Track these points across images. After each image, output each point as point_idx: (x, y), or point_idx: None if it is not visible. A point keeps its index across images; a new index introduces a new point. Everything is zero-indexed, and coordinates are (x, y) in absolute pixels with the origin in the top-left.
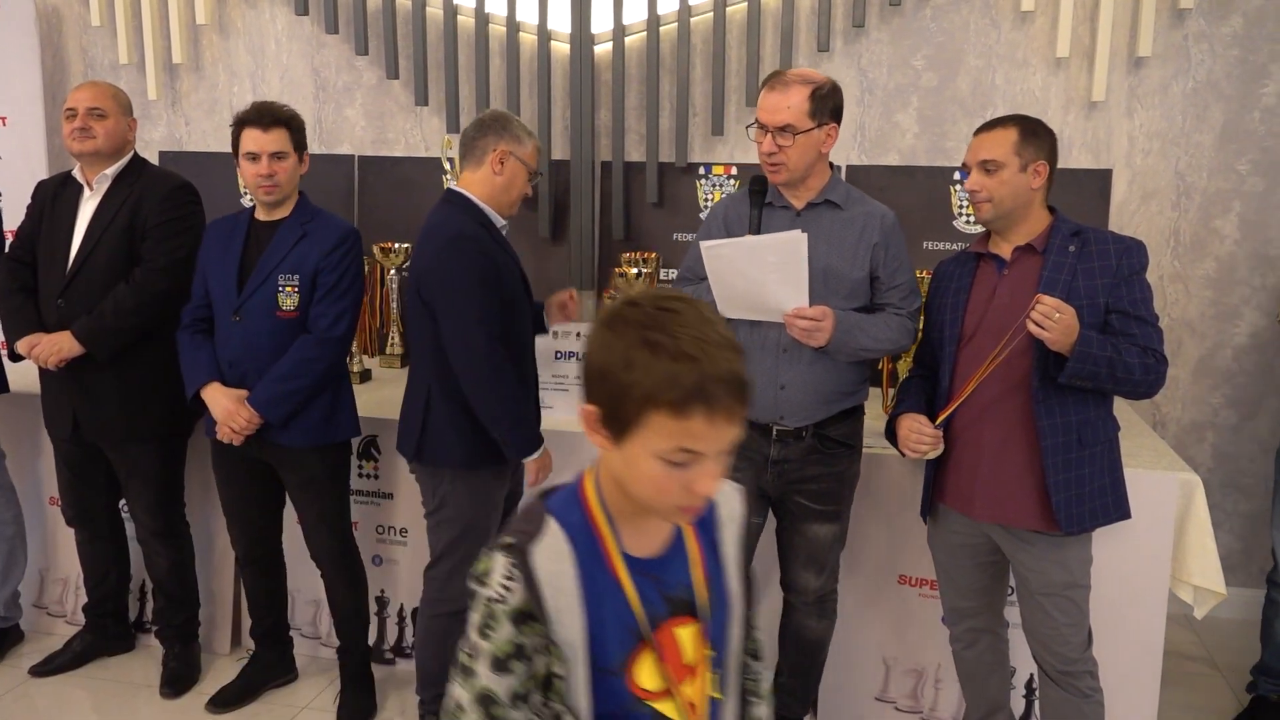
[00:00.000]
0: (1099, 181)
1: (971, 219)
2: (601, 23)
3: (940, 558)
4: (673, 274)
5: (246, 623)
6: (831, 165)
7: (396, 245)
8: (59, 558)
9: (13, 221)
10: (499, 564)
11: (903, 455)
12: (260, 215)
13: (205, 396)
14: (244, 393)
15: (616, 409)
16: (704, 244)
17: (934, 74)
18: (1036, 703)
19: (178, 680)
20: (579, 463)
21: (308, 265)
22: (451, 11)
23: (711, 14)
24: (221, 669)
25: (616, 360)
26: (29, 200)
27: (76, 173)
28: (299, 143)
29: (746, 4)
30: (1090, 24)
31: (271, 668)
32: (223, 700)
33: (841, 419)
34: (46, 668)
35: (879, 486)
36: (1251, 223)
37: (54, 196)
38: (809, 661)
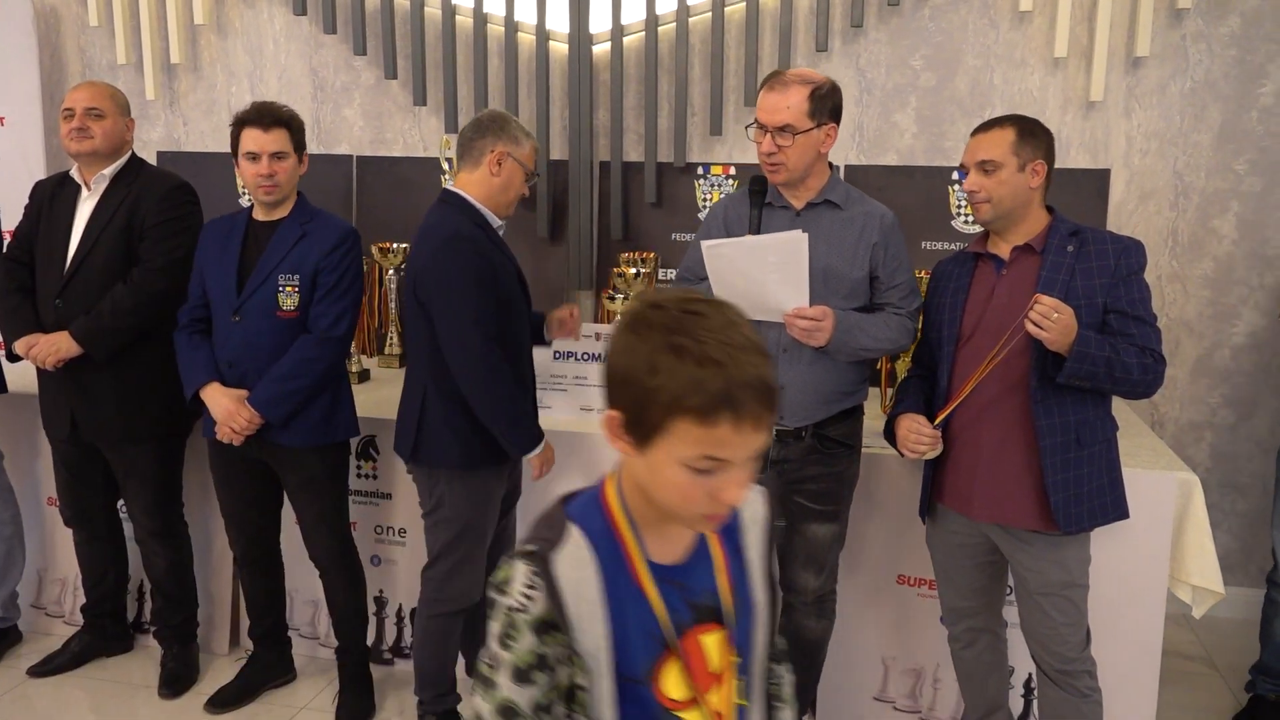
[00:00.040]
0: (1097, 181)
1: (970, 219)
2: (600, 23)
3: (939, 557)
4: (671, 274)
5: (245, 623)
6: (830, 165)
7: (395, 245)
8: (57, 558)
9: (10, 222)
10: (520, 572)
11: (902, 455)
12: (259, 215)
13: (205, 397)
14: (244, 393)
15: (640, 415)
16: (705, 243)
17: (932, 74)
18: (1035, 702)
19: (176, 681)
20: (576, 463)
21: (308, 265)
22: (450, 11)
23: (710, 14)
24: (220, 669)
25: (640, 365)
26: (26, 200)
27: (74, 173)
28: (299, 143)
29: (745, 4)
30: (1088, 24)
31: (270, 668)
32: (221, 701)
33: (841, 419)
34: (45, 668)
35: (878, 486)
36: (1249, 222)
37: (51, 196)
38: (808, 661)
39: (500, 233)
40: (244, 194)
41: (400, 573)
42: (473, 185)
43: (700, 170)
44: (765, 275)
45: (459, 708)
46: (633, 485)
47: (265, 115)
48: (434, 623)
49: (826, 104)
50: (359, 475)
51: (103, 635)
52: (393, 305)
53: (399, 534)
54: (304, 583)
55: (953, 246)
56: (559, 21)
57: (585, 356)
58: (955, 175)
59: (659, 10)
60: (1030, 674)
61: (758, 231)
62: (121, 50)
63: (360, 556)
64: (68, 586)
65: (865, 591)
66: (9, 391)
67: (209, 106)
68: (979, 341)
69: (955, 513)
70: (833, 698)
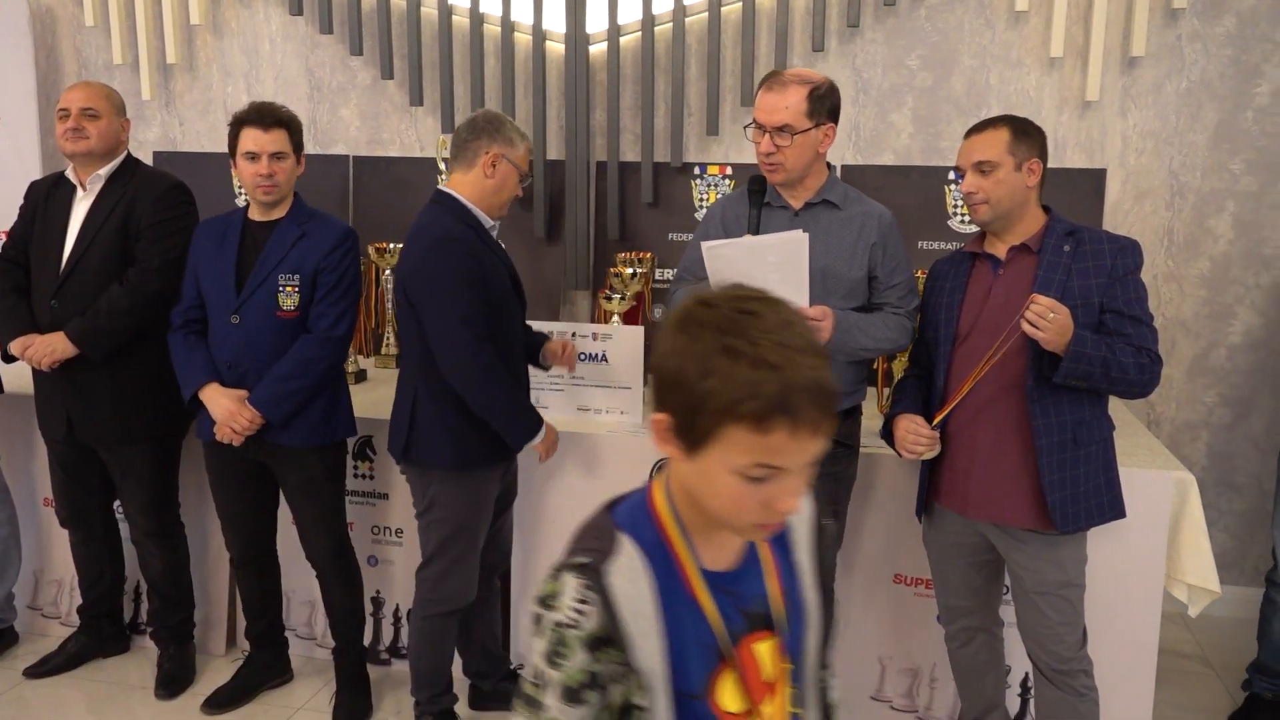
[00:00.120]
0: (1093, 181)
1: (966, 218)
2: (596, 23)
3: (935, 557)
4: (668, 274)
5: (241, 623)
6: (828, 165)
7: (391, 245)
8: (53, 559)
9: (5, 222)
10: (570, 586)
11: (900, 456)
12: (255, 215)
13: (204, 397)
14: (244, 393)
15: (691, 420)
16: (705, 244)
17: (929, 74)
18: (1032, 701)
19: (173, 681)
20: (574, 463)
21: (308, 265)
22: (446, 11)
23: (706, 14)
24: (217, 670)
25: (691, 367)
26: (21, 201)
27: (69, 173)
28: (297, 144)
29: (741, 4)
30: (1084, 24)
31: (267, 669)
32: (218, 701)
33: (840, 419)
34: (41, 669)
35: (875, 486)
36: (1245, 222)
37: (47, 197)
38: None
39: (494, 233)
40: (240, 194)
41: (397, 573)
42: (466, 186)
43: (697, 170)
44: (765, 275)
45: (455, 708)
46: (682, 491)
47: (265, 115)
48: (429, 623)
49: (825, 104)
50: (356, 475)
51: (99, 636)
52: (389, 306)
53: (396, 534)
54: (301, 583)
55: (949, 246)
56: (555, 21)
57: (582, 357)
58: (952, 175)
59: (655, 10)
60: (1027, 673)
61: (757, 231)
62: (117, 50)
63: (357, 557)
64: (64, 587)
65: (862, 591)
66: (4, 392)
67: (205, 107)
68: (976, 341)
69: (952, 512)
70: None
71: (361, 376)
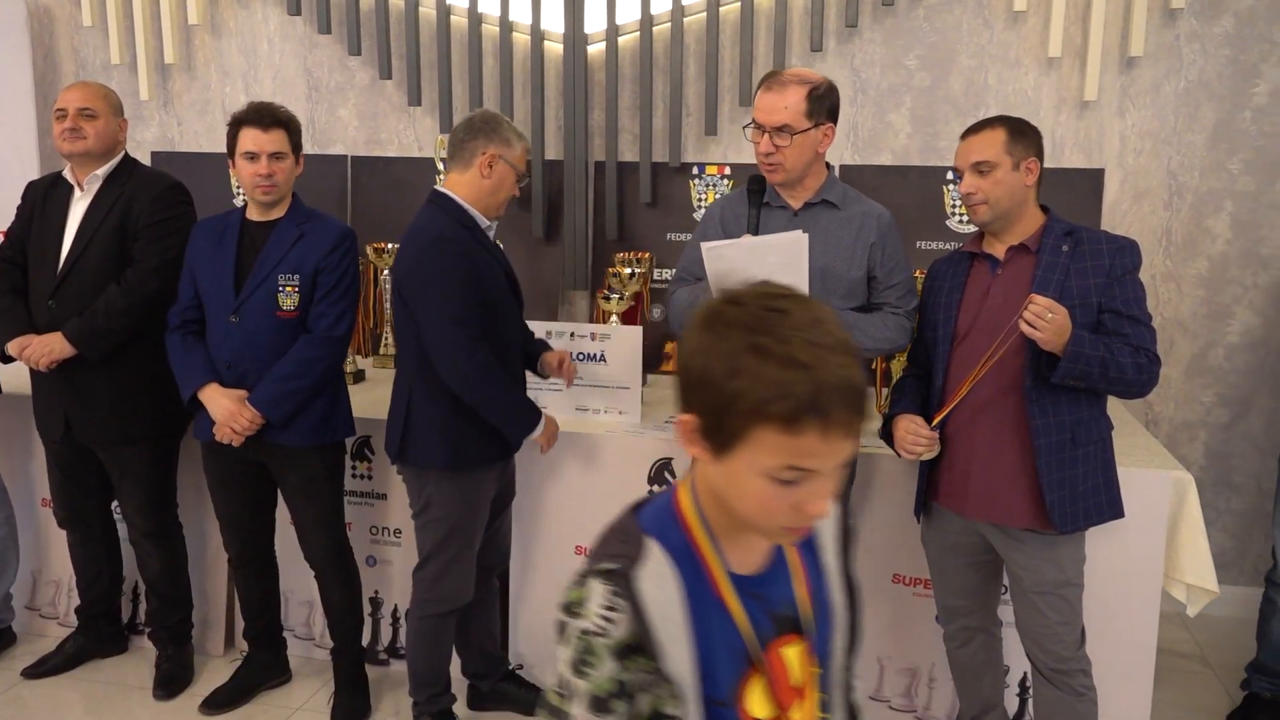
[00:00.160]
0: (1091, 181)
1: (965, 218)
2: (595, 22)
3: (934, 557)
4: (667, 274)
5: (240, 624)
6: (827, 165)
7: (389, 246)
8: (51, 559)
9: (3, 222)
10: (597, 593)
11: (899, 456)
12: (253, 215)
13: (204, 398)
14: (244, 393)
15: (719, 421)
16: (705, 245)
17: (927, 74)
18: (1030, 701)
19: (171, 682)
20: (572, 463)
21: (308, 265)
22: (444, 11)
23: (705, 14)
24: (215, 670)
25: (719, 367)
26: (18, 201)
27: (67, 173)
28: (296, 144)
29: (739, 4)
30: (1082, 24)
31: (265, 669)
32: (216, 702)
33: None
34: (39, 670)
35: (873, 486)
36: (1243, 222)
37: (44, 197)
38: None
39: (490, 234)
40: (239, 194)
41: (395, 573)
42: (462, 186)
43: (695, 170)
44: (765, 276)
45: (453, 708)
46: (708, 493)
47: (265, 115)
48: (426, 624)
49: (824, 104)
50: (354, 476)
51: (97, 636)
52: (388, 306)
53: (394, 534)
54: (299, 583)
55: (948, 246)
56: (554, 21)
57: (581, 357)
58: (950, 175)
59: (654, 10)
60: (1025, 673)
61: (756, 232)
62: (115, 50)
63: (355, 557)
64: (62, 588)
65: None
66: (3, 393)
67: (203, 107)
68: (974, 341)
69: (950, 512)
70: None
71: (360, 377)
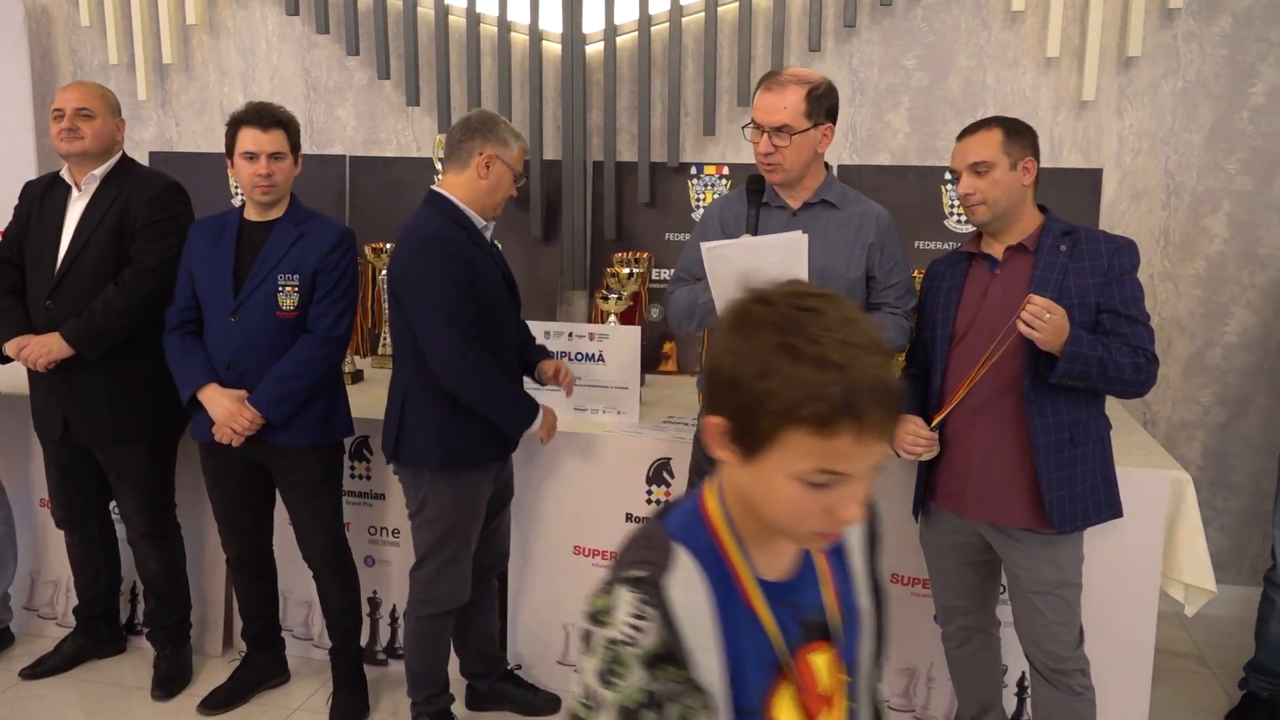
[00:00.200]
0: (1089, 181)
1: (963, 218)
2: (593, 23)
3: (932, 557)
4: (665, 274)
5: (238, 624)
6: (825, 165)
7: (387, 246)
8: (49, 560)
9: (0, 223)
10: (624, 600)
11: (898, 456)
12: (251, 215)
13: (203, 398)
14: (244, 393)
15: (749, 423)
16: (704, 244)
17: (925, 74)
18: (1028, 701)
19: (169, 682)
20: (570, 463)
21: (307, 265)
22: (443, 11)
23: (703, 14)
24: (213, 671)
25: (749, 368)
26: (15, 201)
27: (64, 173)
28: (295, 144)
29: (738, 4)
30: (1080, 24)
31: (264, 669)
32: (214, 702)
33: None
34: (37, 670)
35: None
36: (1241, 222)
37: (41, 197)
38: None
39: (487, 234)
40: (237, 194)
41: (394, 573)
42: (459, 187)
43: (694, 170)
44: (765, 276)
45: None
46: (736, 497)
47: (264, 115)
48: (423, 624)
49: (823, 104)
50: (352, 476)
51: (95, 637)
52: (386, 306)
53: (392, 535)
54: (297, 584)
55: (946, 246)
56: (552, 21)
57: (579, 357)
58: (948, 175)
59: (652, 10)
60: (1024, 672)
61: (755, 232)
62: (113, 50)
63: (354, 557)
64: (60, 588)
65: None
66: (0, 393)
67: (201, 107)
68: (972, 341)
69: (948, 512)
70: None
71: (358, 377)
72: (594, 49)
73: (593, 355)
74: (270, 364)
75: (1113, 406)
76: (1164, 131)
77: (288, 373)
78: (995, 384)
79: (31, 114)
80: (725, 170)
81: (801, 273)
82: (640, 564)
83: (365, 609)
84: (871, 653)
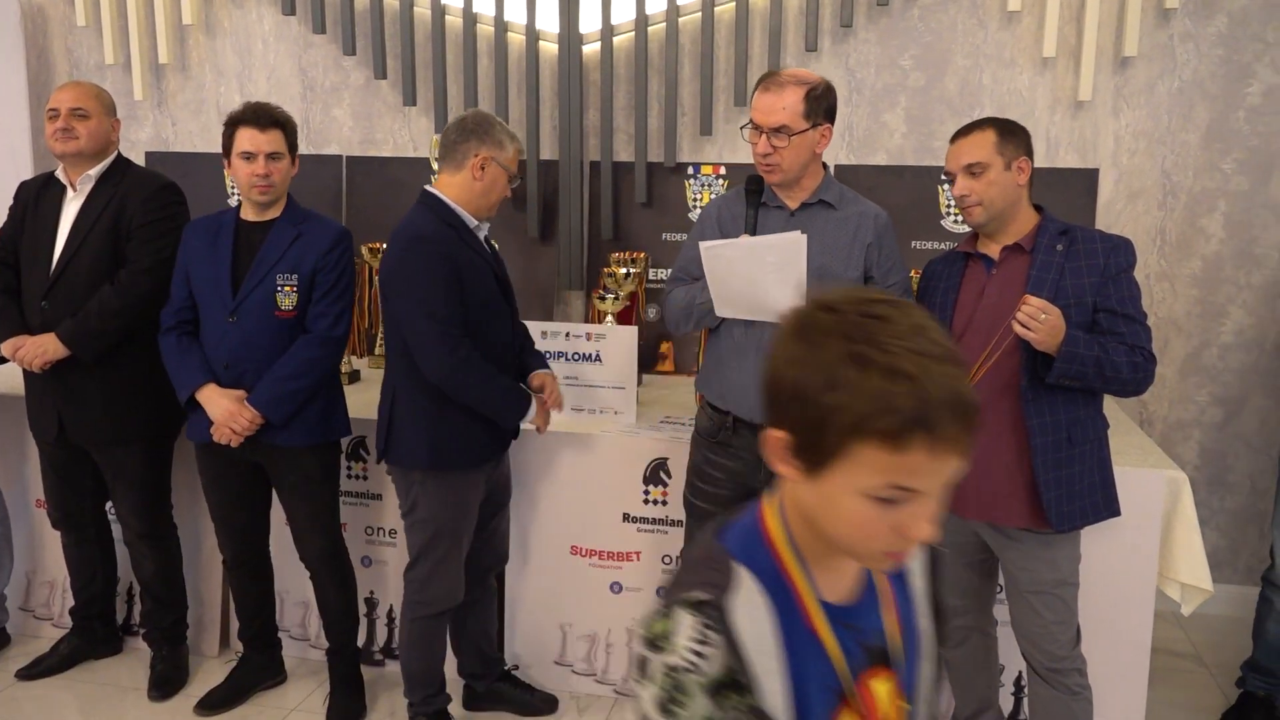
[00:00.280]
0: (1085, 181)
1: (959, 219)
2: (590, 23)
3: None
4: (662, 274)
5: (235, 625)
6: (824, 165)
7: (384, 246)
8: (45, 560)
9: None
10: (685, 624)
11: None
12: (249, 215)
13: (202, 398)
14: (243, 393)
15: (814, 437)
16: (703, 244)
17: (921, 74)
18: (1025, 700)
19: (166, 683)
20: (567, 463)
21: (306, 265)
22: (439, 11)
23: (700, 14)
24: (210, 671)
25: (815, 379)
26: (10, 201)
27: (59, 173)
28: (292, 144)
29: (734, 4)
30: (1076, 24)
31: (260, 670)
32: (211, 703)
33: None
34: (33, 671)
35: None
36: (1237, 222)
37: (36, 197)
38: None
39: (480, 234)
40: (233, 194)
41: (391, 574)
42: (453, 187)
43: (690, 170)
44: (763, 276)
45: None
46: (798, 515)
47: (262, 115)
48: (418, 625)
49: (821, 104)
50: (349, 476)
51: (92, 638)
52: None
53: (389, 535)
54: (294, 584)
55: (943, 246)
56: (549, 21)
57: (576, 357)
58: (944, 176)
59: (649, 10)
60: (1021, 672)
61: (754, 232)
62: (109, 50)
63: (351, 557)
64: (56, 589)
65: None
66: None
67: (197, 107)
68: (970, 341)
69: (946, 512)
70: None
71: (355, 377)
72: (591, 49)
73: (590, 355)
74: (269, 364)
75: (1109, 406)
76: (1160, 131)
77: (288, 373)
78: (992, 384)
79: (27, 114)
80: (722, 170)
81: (800, 273)
82: (701, 585)
83: (362, 609)
84: (932, 678)
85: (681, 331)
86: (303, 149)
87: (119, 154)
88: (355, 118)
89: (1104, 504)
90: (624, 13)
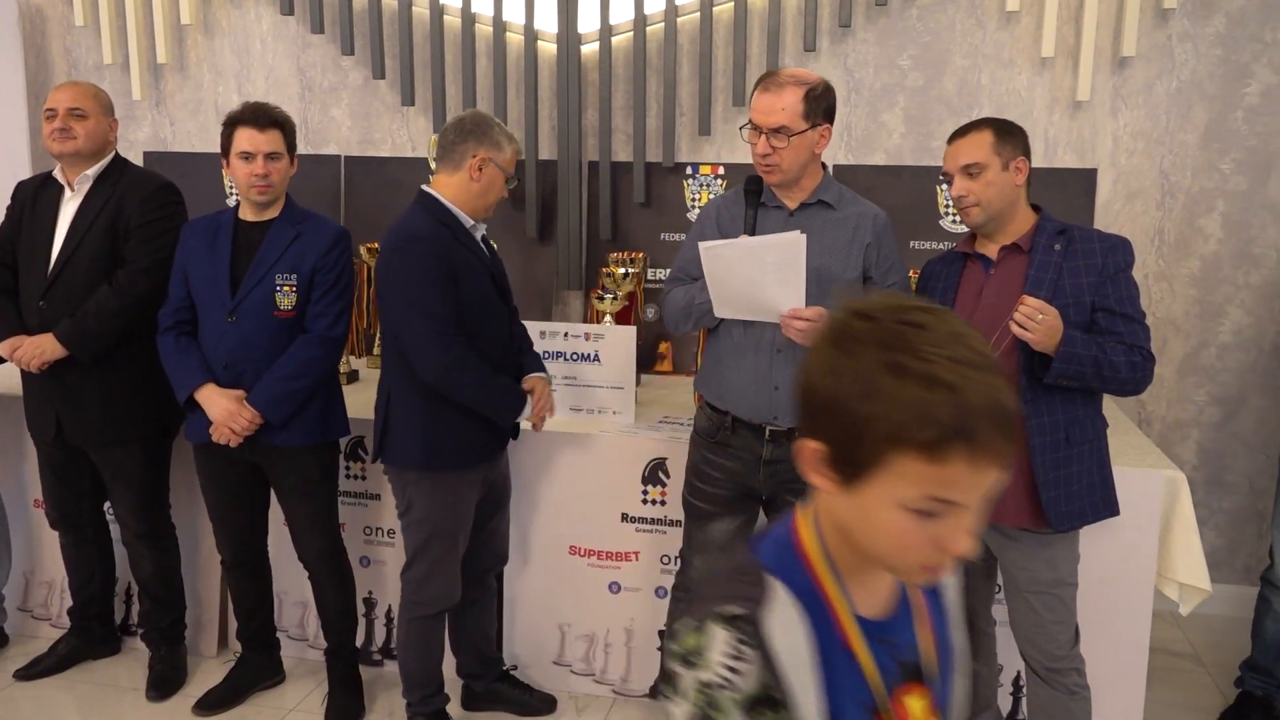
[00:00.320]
0: (1084, 181)
1: (958, 219)
2: (588, 23)
3: None
4: (661, 274)
5: (233, 625)
6: (823, 165)
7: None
8: (44, 561)
9: None
10: (719, 639)
11: None
12: (247, 215)
13: (201, 398)
14: (242, 393)
15: (851, 448)
16: (703, 244)
17: (920, 74)
18: (1024, 700)
19: (164, 683)
20: (566, 463)
21: (305, 265)
22: (438, 11)
23: (698, 14)
24: (208, 671)
25: (851, 388)
26: (8, 201)
27: (57, 173)
28: (291, 144)
29: (733, 4)
30: (1075, 24)
31: (259, 670)
32: (209, 703)
33: None
34: (31, 671)
35: None
36: (1235, 222)
37: (34, 197)
38: None
39: (477, 234)
40: (232, 194)
41: (389, 574)
42: (450, 188)
43: (689, 170)
44: (763, 276)
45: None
46: (833, 527)
47: (261, 115)
48: (415, 625)
49: (821, 105)
50: (348, 476)
51: (90, 638)
52: None
53: (388, 535)
54: (293, 584)
55: (941, 246)
56: (547, 21)
57: (575, 357)
58: (943, 176)
59: (647, 10)
60: (1019, 672)
61: (753, 232)
62: (107, 50)
63: (349, 557)
64: (54, 589)
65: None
66: None
67: (196, 106)
68: None
69: None
70: None
71: (353, 377)
72: (589, 49)
73: (588, 355)
74: (268, 364)
75: (1107, 406)
76: (1159, 131)
77: (287, 373)
78: None
79: (25, 114)
80: (721, 170)
81: (799, 273)
82: (735, 599)
83: (361, 609)
84: (966, 694)
85: (680, 332)
86: (301, 149)
87: (117, 154)
88: (353, 118)
89: (1103, 504)
90: (622, 13)
